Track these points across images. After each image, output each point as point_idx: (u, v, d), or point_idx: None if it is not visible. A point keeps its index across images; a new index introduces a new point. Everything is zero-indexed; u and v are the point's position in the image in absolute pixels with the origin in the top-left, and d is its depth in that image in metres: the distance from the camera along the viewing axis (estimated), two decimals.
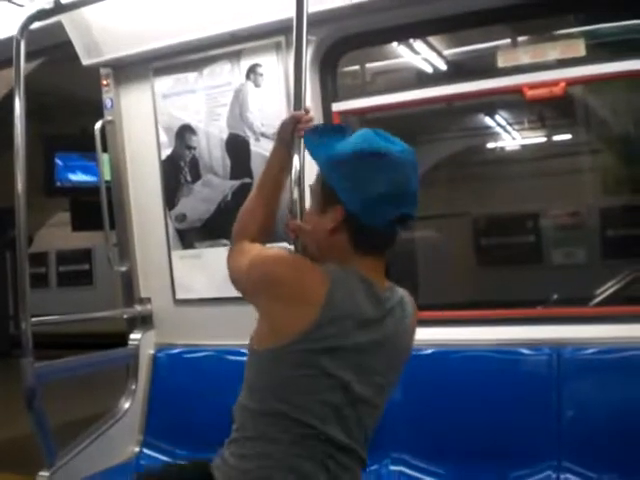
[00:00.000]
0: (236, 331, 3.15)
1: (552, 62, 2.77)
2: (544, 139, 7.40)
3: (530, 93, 2.72)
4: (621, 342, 2.51)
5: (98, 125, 3.37)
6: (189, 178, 3.28)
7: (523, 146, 7.51)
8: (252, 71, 3.07)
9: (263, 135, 3.07)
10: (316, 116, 2.90)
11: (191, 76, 3.23)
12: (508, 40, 3.38)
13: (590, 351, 2.55)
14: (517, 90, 2.78)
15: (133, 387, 3.33)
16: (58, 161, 7.55)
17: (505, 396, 2.59)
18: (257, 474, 1.60)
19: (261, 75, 3.05)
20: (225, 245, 3.17)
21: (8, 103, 2.98)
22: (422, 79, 4.60)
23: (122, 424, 3.24)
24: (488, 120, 7.11)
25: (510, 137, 7.41)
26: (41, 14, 2.95)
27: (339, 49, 3.02)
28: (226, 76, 3.14)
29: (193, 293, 3.32)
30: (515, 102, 5.94)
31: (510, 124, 7.24)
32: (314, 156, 1.69)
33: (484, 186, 7.31)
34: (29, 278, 2.93)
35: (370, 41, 3.15)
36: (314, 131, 1.77)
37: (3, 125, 3.17)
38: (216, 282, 3.16)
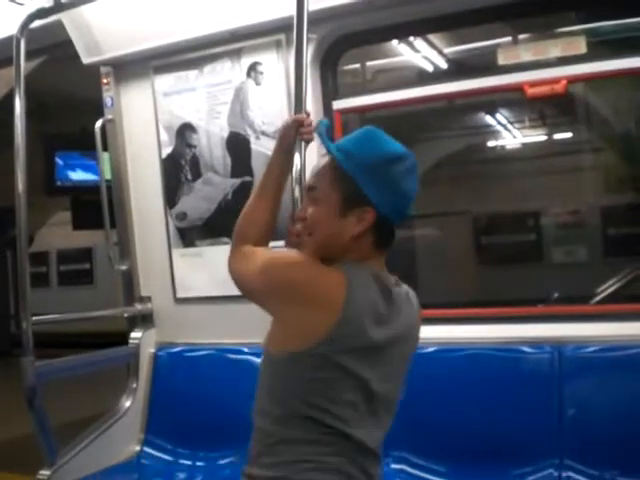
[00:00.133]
0: (237, 330, 3.17)
1: (553, 60, 2.76)
2: (545, 137, 7.39)
3: (531, 91, 2.71)
4: (622, 340, 2.50)
5: (98, 124, 3.37)
6: (190, 176, 3.28)
7: (524, 144, 7.50)
8: (253, 69, 3.07)
9: (264, 133, 3.06)
10: (317, 114, 2.90)
11: (191, 74, 3.22)
12: (509, 38, 3.37)
13: (591, 349, 2.54)
14: (518, 88, 2.77)
15: (134, 386, 3.33)
16: (58, 160, 7.55)
17: (506, 394, 2.59)
18: (302, 477, 1.57)
19: (262, 73, 3.05)
20: (226, 243, 3.16)
21: (8, 102, 2.98)
22: (423, 77, 4.59)
23: (123, 423, 3.24)
24: (489, 118, 7.11)
25: (511, 135, 7.40)
26: (41, 13, 2.95)
27: (340, 47, 3.02)
28: (227, 74, 3.14)
29: (194, 292, 3.32)
30: (516, 100, 5.95)
31: (511, 122, 7.24)
32: (343, 162, 1.62)
33: (485, 184, 7.31)
34: (30, 277, 2.93)
35: (371, 39, 3.14)
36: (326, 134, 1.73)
37: (3, 124, 3.18)
38: (217, 281, 3.16)
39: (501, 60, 2.86)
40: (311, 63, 2.87)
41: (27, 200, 2.90)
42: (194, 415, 3.16)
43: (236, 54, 3.10)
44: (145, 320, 3.44)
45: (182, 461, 3.13)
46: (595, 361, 2.54)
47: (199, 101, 3.22)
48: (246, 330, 3.10)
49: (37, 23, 2.95)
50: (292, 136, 1.84)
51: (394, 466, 2.71)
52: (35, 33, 2.95)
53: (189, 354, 3.31)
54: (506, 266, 7.05)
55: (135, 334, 3.40)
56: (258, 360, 3.10)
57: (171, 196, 3.34)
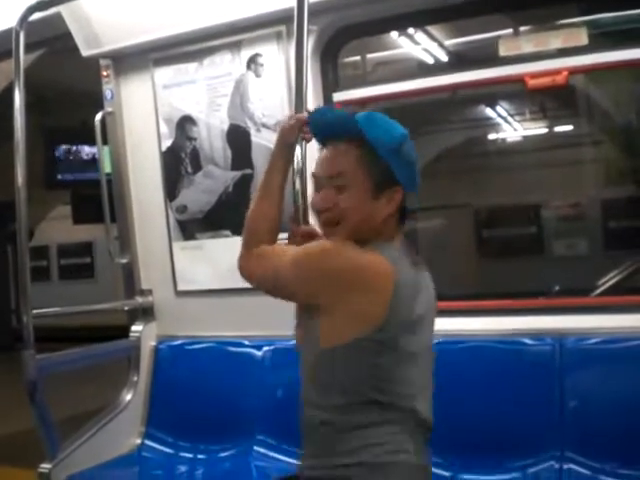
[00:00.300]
0: (238, 322, 3.17)
1: (554, 51, 2.75)
2: (546, 130, 7.38)
3: (532, 82, 2.70)
4: (623, 332, 2.50)
5: (98, 117, 3.36)
6: (190, 169, 3.27)
7: (525, 137, 7.49)
8: (253, 61, 3.05)
9: (264, 125, 3.05)
10: (317, 106, 2.89)
11: (191, 67, 3.21)
12: (510, 29, 3.36)
13: (592, 341, 2.54)
14: (519, 79, 2.76)
15: (135, 379, 3.33)
16: (58, 154, 7.55)
17: (507, 386, 2.59)
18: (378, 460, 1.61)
19: (262, 65, 3.04)
20: (227, 236, 3.16)
21: (8, 95, 2.98)
22: (423, 69, 4.59)
23: (124, 416, 3.24)
24: (489, 111, 7.09)
25: (512, 128, 7.39)
26: (40, 5, 2.93)
27: (340, 39, 3.01)
28: (226, 66, 3.12)
29: (194, 284, 3.32)
30: (517, 93, 5.93)
31: (511, 115, 7.23)
32: (377, 144, 1.64)
33: (485, 177, 7.30)
34: (30, 271, 2.92)
35: (371, 30, 3.13)
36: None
37: (3, 117, 3.17)
38: (217, 273, 3.16)
39: (502, 51, 2.84)
40: (312, 55, 2.86)
41: (27, 194, 2.89)
42: (195, 408, 3.16)
43: (236, 46, 3.09)
44: (146, 313, 3.44)
45: (183, 454, 3.14)
46: (596, 353, 2.54)
47: (199, 93, 3.21)
48: (247, 323, 3.12)
49: (36, 16, 2.93)
50: (295, 135, 1.86)
51: None
52: (34, 26, 2.93)
53: (190, 347, 3.31)
54: (507, 259, 7.05)
55: (136, 327, 3.40)
56: (259, 353, 3.13)
57: (171, 189, 3.33)
